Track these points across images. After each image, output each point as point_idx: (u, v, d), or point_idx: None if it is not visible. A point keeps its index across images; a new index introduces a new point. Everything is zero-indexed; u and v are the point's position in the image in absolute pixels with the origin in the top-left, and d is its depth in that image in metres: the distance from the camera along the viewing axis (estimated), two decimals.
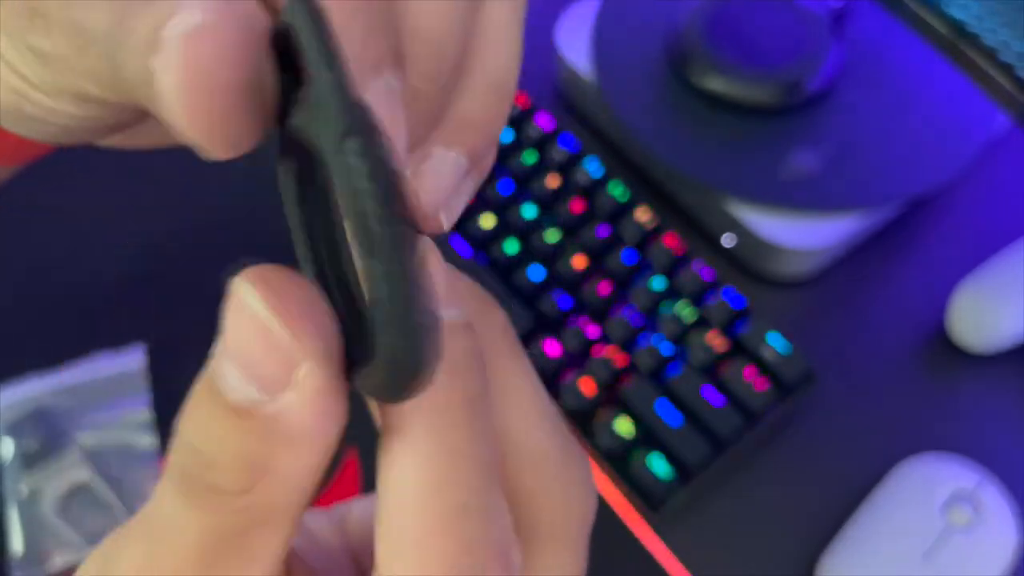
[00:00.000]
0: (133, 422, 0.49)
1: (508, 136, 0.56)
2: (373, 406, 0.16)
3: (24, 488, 0.46)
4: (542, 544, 0.18)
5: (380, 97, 0.16)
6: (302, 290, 0.14)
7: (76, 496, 0.47)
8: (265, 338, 0.14)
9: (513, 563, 0.16)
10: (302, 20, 0.14)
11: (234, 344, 0.14)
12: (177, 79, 0.14)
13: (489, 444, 0.16)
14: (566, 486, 0.18)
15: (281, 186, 0.16)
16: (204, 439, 0.15)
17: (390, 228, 0.13)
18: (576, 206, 0.53)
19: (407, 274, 0.13)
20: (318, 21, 0.14)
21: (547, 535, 0.18)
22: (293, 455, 0.15)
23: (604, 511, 0.47)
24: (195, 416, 0.15)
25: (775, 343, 0.47)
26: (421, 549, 0.15)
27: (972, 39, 0.44)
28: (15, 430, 0.48)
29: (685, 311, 0.48)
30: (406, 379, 0.14)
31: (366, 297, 0.13)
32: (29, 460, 0.47)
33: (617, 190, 0.53)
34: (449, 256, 0.52)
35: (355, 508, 0.22)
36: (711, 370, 0.48)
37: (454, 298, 0.16)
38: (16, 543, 0.45)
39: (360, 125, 0.13)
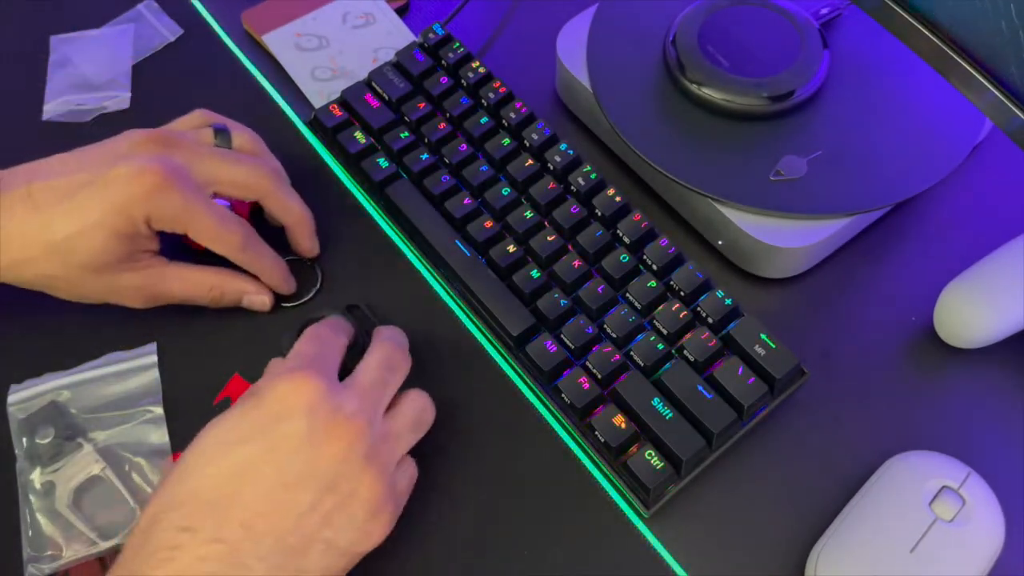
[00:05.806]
0: (146, 418, 0.49)
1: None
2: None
3: (38, 482, 0.47)
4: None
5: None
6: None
7: (89, 490, 0.47)
8: None
9: (374, 421, 0.42)
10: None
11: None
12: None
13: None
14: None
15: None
16: None
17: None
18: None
19: None
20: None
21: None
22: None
23: (600, 506, 0.48)
24: None
25: (766, 341, 0.48)
26: (361, 372, 0.44)
27: (956, 46, 0.45)
28: (30, 425, 0.48)
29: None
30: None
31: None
32: (44, 454, 0.47)
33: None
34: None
35: None
36: (703, 367, 0.49)
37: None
38: (30, 535, 0.46)
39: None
